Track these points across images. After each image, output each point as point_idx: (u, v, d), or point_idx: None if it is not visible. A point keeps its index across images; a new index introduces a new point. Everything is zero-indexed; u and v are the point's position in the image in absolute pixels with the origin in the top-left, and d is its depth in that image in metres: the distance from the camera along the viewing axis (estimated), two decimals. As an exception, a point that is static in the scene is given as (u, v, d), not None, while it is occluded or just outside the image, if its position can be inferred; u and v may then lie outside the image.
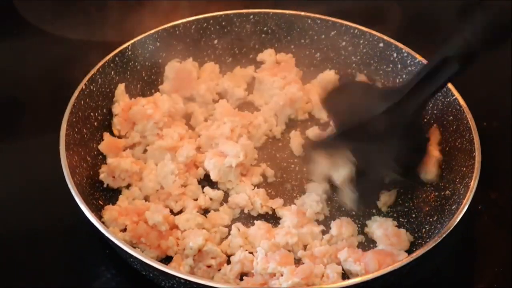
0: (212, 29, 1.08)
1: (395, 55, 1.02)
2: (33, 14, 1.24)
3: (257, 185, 0.92)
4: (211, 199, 0.90)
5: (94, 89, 0.94)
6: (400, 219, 0.88)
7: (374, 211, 0.89)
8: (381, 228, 0.85)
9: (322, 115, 1.02)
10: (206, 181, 0.92)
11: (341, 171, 0.84)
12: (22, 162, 0.95)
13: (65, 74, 1.07)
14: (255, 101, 1.04)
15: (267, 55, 1.09)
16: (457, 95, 0.92)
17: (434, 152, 0.92)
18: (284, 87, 1.02)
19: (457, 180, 0.86)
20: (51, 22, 1.22)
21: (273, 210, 0.89)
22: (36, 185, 0.91)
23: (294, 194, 0.91)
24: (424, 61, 0.98)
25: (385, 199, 0.89)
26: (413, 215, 0.89)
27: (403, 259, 0.72)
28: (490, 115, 0.98)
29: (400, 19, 1.28)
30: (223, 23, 1.08)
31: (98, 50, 1.05)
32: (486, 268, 0.85)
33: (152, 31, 1.03)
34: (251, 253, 0.82)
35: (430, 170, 0.92)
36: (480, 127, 0.88)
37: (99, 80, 0.95)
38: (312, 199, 0.88)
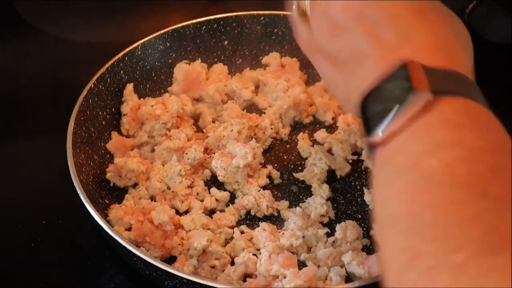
0: (222, 30, 1.08)
1: (404, 58, 1.02)
2: (34, 15, 1.25)
3: (263, 187, 0.92)
4: (217, 200, 0.90)
5: (103, 88, 0.94)
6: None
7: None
8: (386, 231, 0.84)
9: (327, 117, 1.02)
10: (212, 182, 0.93)
11: None
12: (26, 162, 0.96)
13: (66, 76, 1.08)
14: (259, 103, 1.04)
15: (272, 58, 1.09)
16: (466, 99, 0.91)
17: None
18: (288, 90, 1.02)
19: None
20: (52, 23, 1.23)
21: (279, 212, 0.89)
22: (41, 184, 0.92)
23: (300, 196, 0.91)
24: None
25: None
26: (419, 220, 0.88)
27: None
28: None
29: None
30: (234, 24, 1.08)
31: (99, 52, 1.06)
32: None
33: (163, 31, 1.04)
34: (255, 255, 0.82)
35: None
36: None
37: (108, 79, 0.95)
38: (317, 202, 0.87)
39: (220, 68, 1.08)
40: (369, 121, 0.52)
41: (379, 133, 0.50)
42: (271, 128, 0.98)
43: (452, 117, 0.48)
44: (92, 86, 0.92)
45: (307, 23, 0.67)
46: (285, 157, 0.98)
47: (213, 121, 1.00)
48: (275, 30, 1.09)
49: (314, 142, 0.99)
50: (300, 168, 0.95)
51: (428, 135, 0.48)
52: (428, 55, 0.53)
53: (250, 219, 0.89)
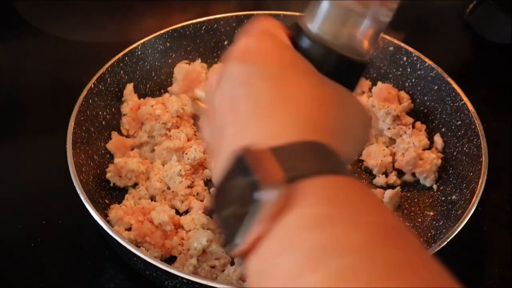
0: (222, 30, 1.08)
1: (405, 58, 1.02)
2: (34, 15, 1.25)
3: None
4: (217, 200, 0.90)
5: (103, 88, 0.94)
6: (406, 223, 0.88)
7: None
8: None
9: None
10: (212, 182, 0.92)
11: None
12: (26, 162, 0.96)
13: (65, 76, 1.08)
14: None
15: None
16: (465, 100, 0.92)
17: (435, 159, 0.92)
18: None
19: (464, 185, 0.86)
20: (52, 23, 1.23)
21: (279, 212, 0.88)
22: (41, 184, 0.92)
23: (300, 196, 0.91)
24: (433, 65, 0.97)
25: (390, 196, 0.89)
26: (419, 220, 0.88)
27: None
28: (490, 115, 0.97)
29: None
30: (234, 24, 1.08)
31: (99, 52, 1.06)
32: (486, 269, 0.85)
33: (163, 31, 1.04)
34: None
35: (429, 176, 0.92)
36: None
37: (108, 79, 0.95)
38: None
39: (220, 68, 1.07)
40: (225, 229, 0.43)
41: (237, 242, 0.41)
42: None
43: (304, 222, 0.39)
44: (92, 86, 0.92)
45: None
46: (284, 157, 0.97)
47: (213, 121, 1.00)
48: (275, 30, 1.09)
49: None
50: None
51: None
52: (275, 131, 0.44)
53: (250, 219, 0.89)
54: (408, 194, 0.92)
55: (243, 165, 0.40)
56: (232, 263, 0.81)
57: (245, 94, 0.47)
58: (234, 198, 0.41)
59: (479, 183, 0.80)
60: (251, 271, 0.41)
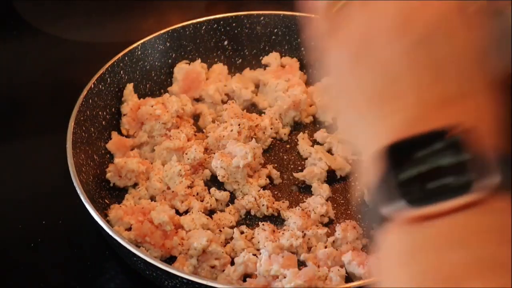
0: (222, 30, 1.08)
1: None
2: (33, 15, 1.25)
3: (263, 187, 0.92)
4: (217, 200, 0.90)
5: (103, 88, 0.94)
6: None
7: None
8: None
9: (327, 117, 1.02)
10: (212, 182, 0.93)
11: None
12: (26, 162, 0.96)
13: (65, 76, 1.08)
14: (259, 103, 1.04)
15: (272, 58, 1.09)
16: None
17: None
18: (288, 90, 1.02)
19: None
20: (52, 23, 1.23)
21: (279, 212, 0.89)
22: (41, 184, 0.92)
23: (300, 196, 0.91)
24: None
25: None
26: (419, 220, 0.88)
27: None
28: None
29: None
30: (234, 24, 1.08)
31: (99, 52, 1.06)
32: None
33: (163, 31, 1.04)
34: (255, 255, 0.82)
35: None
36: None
37: (108, 79, 0.95)
38: (317, 202, 0.87)
39: (220, 68, 1.08)
40: (404, 187, 0.40)
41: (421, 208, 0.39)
42: (271, 128, 0.98)
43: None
44: (92, 86, 0.92)
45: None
46: (285, 157, 0.98)
47: (213, 121, 1.00)
48: (275, 30, 1.09)
49: (314, 142, 0.99)
50: (300, 168, 0.95)
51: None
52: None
53: (250, 219, 0.89)
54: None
55: (459, 137, 0.38)
56: (232, 263, 0.81)
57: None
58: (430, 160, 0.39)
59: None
60: (396, 239, 0.41)
